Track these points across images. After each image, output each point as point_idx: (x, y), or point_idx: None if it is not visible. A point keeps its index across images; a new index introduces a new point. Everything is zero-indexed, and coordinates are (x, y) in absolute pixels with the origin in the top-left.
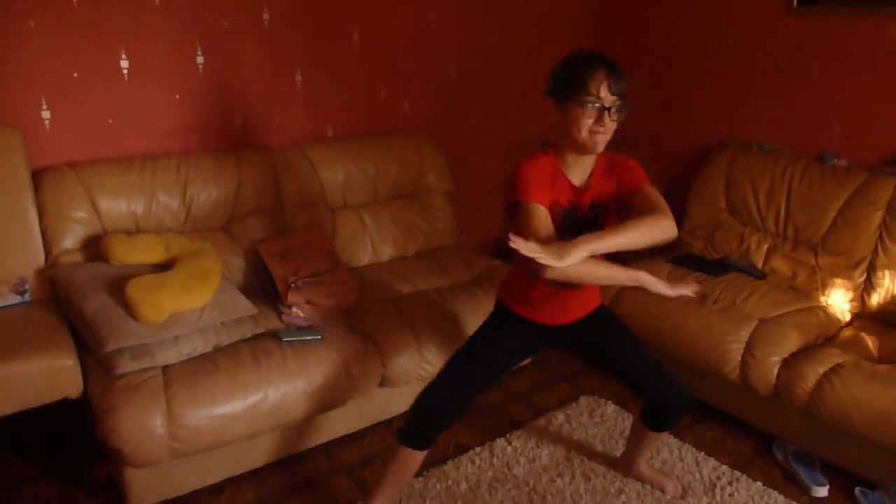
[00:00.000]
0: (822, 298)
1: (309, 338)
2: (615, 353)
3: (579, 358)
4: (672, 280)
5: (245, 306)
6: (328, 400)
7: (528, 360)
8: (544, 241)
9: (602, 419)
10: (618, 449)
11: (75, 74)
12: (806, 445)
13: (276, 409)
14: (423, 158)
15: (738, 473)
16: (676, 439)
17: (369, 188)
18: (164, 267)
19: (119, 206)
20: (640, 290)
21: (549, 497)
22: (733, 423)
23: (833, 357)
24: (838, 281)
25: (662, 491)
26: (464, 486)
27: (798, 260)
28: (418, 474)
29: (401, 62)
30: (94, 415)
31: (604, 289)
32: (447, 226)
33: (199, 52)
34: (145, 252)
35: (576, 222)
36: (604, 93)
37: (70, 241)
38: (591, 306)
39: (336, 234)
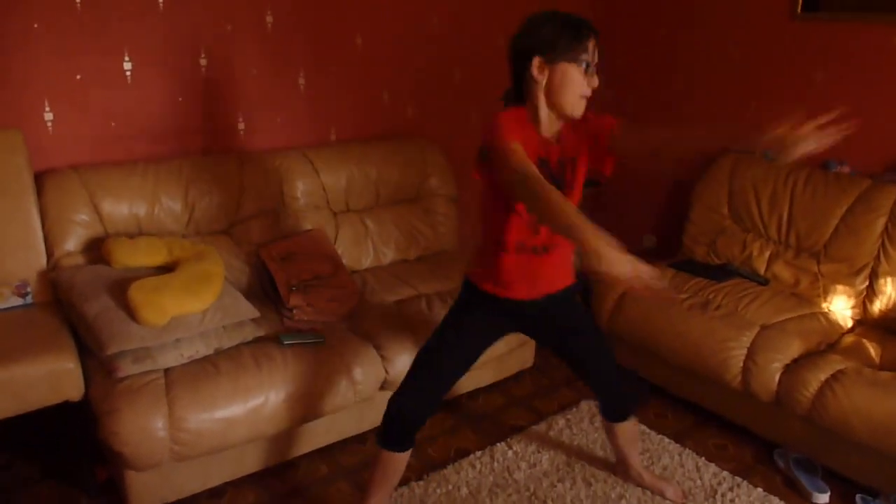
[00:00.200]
0: (824, 305)
1: (310, 341)
2: (574, 340)
3: (535, 341)
4: (674, 286)
5: (247, 309)
6: (329, 403)
7: (528, 365)
8: (533, 174)
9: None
10: None
11: (78, 77)
12: (807, 452)
13: (277, 413)
14: (425, 162)
15: (739, 479)
16: (677, 445)
17: (372, 192)
18: (167, 270)
19: (121, 208)
20: (642, 298)
21: (549, 502)
22: (735, 430)
23: (835, 364)
24: (840, 288)
25: (663, 496)
26: (464, 490)
27: (800, 266)
28: (419, 478)
29: (404, 66)
30: (96, 417)
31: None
32: (449, 230)
33: (203, 55)
34: (147, 255)
35: (545, 176)
36: (595, 55)
37: (72, 243)
38: (562, 282)
39: (338, 238)
